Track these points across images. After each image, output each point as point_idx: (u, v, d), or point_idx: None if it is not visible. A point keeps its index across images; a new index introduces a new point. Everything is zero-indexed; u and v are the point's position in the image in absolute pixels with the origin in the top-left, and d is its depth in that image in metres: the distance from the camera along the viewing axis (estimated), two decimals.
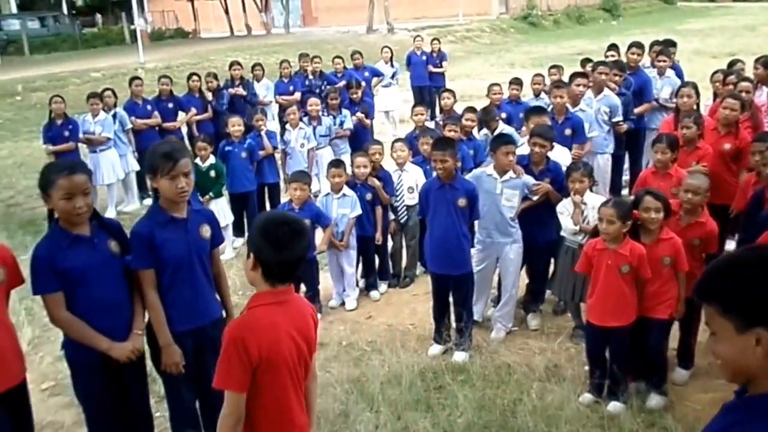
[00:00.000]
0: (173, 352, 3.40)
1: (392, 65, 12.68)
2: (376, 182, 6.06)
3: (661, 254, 4.13)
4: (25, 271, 3.33)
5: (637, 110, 7.64)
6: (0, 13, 36.32)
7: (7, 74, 21.02)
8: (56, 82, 18.84)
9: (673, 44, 9.23)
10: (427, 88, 13.36)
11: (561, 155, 5.72)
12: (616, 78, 7.46)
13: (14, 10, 39.38)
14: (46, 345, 5.27)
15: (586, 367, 4.59)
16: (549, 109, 6.62)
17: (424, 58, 13.40)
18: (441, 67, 13.49)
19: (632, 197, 4.97)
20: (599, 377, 4.29)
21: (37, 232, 7.52)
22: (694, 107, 6.35)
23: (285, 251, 2.45)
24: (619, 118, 7.15)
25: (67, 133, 8.57)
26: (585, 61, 9.42)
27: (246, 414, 2.47)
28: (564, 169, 5.29)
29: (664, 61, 8.04)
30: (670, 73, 8.06)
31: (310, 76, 11.38)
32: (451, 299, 5.10)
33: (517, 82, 8.48)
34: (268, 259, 2.45)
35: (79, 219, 3.21)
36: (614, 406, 4.19)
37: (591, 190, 5.12)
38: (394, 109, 12.63)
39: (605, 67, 7.32)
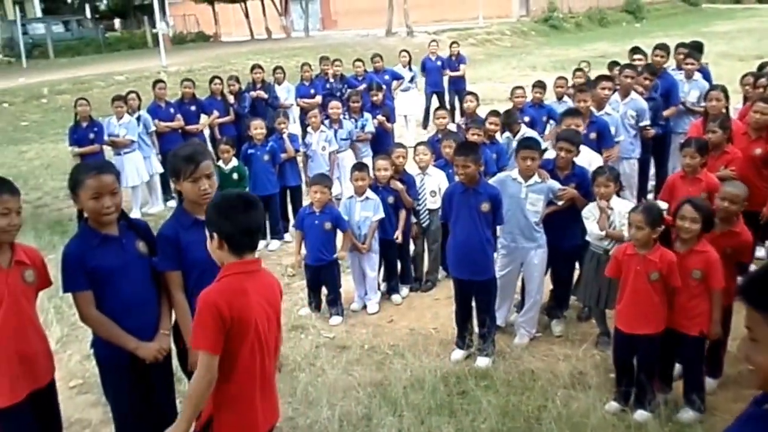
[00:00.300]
0: None
1: (410, 69, 12.64)
2: (399, 185, 6.04)
3: (691, 266, 4.02)
4: (53, 270, 3.35)
5: (664, 113, 7.53)
6: (25, 17, 36.82)
7: (33, 77, 21.40)
8: (81, 85, 19.13)
9: (701, 46, 9.08)
10: (443, 93, 13.30)
11: (593, 159, 5.65)
12: (646, 82, 7.35)
13: (39, 14, 39.93)
14: (74, 343, 5.30)
15: (612, 375, 4.53)
16: None
17: (439, 63, 13.33)
18: (458, 70, 13.41)
19: (660, 202, 4.92)
20: (626, 385, 4.23)
21: (63, 233, 7.62)
22: (723, 111, 6.25)
23: (243, 219, 2.65)
24: (646, 122, 7.06)
25: (92, 136, 8.68)
26: (612, 65, 9.29)
27: (218, 377, 2.59)
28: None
29: (692, 64, 7.91)
30: (697, 76, 7.94)
31: (331, 79, 11.39)
32: (473, 304, 5.06)
33: (540, 85, 8.42)
34: (230, 231, 2.64)
35: (106, 219, 3.23)
36: (641, 415, 4.12)
37: (618, 195, 5.05)
38: (412, 113, 12.58)
39: (632, 70, 7.21)
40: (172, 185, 7.78)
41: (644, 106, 7.03)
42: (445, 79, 13.48)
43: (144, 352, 3.31)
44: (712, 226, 4.08)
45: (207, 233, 2.72)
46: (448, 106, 12.83)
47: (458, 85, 13.40)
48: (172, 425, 2.64)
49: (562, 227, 5.17)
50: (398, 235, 6.07)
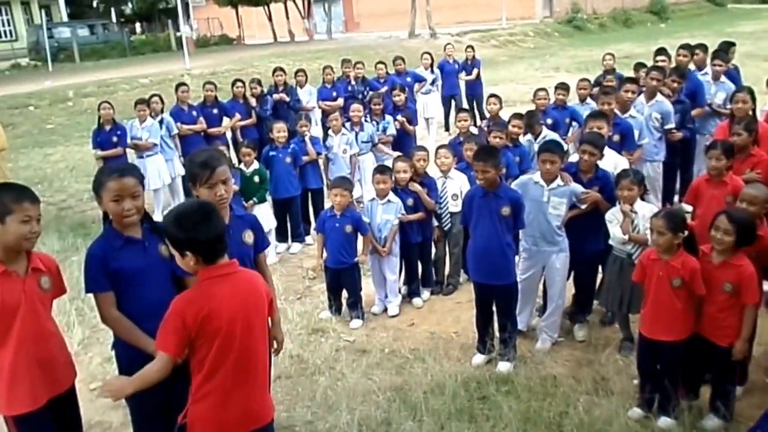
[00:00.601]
0: None
1: (432, 71, 12.56)
2: (417, 187, 6.01)
3: (722, 278, 3.91)
4: (76, 272, 3.37)
5: (692, 113, 7.42)
6: (51, 21, 37.38)
7: (59, 80, 21.66)
8: (106, 88, 19.32)
9: (731, 46, 8.88)
10: (459, 97, 13.17)
11: (617, 161, 5.58)
12: (675, 84, 7.23)
13: (65, 18, 40.53)
14: (95, 346, 5.30)
15: (635, 381, 4.47)
16: None
17: (456, 66, 13.23)
18: (471, 74, 13.26)
19: (684, 205, 4.84)
20: (649, 391, 4.16)
21: (87, 235, 7.68)
22: (750, 113, 6.13)
23: (206, 229, 2.69)
24: (671, 125, 6.95)
25: (115, 139, 8.75)
26: (638, 66, 9.18)
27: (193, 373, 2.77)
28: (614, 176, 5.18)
29: (720, 65, 7.76)
30: (724, 77, 7.80)
31: (353, 82, 11.39)
32: (494, 309, 5.01)
33: (563, 86, 8.33)
34: (198, 245, 2.69)
35: (127, 221, 3.24)
36: (665, 422, 4.05)
37: (643, 199, 4.98)
38: (434, 116, 12.53)
39: (659, 72, 7.10)
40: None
41: (669, 109, 6.93)
42: (462, 83, 13.36)
43: None
44: (751, 239, 3.93)
45: (173, 251, 2.78)
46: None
47: (474, 90, 13.29)
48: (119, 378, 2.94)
49: (585, 231, 5.11)
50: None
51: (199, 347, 2.71)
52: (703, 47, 8.50)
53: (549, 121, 7.52)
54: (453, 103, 13.06)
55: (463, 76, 13.25)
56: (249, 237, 3.54)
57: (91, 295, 3.32)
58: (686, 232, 4.00)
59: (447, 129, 12.94)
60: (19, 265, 3.10)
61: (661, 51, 8.73)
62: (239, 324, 2.74)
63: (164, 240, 3.37)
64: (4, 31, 39.25)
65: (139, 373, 2.80)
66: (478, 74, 13.38)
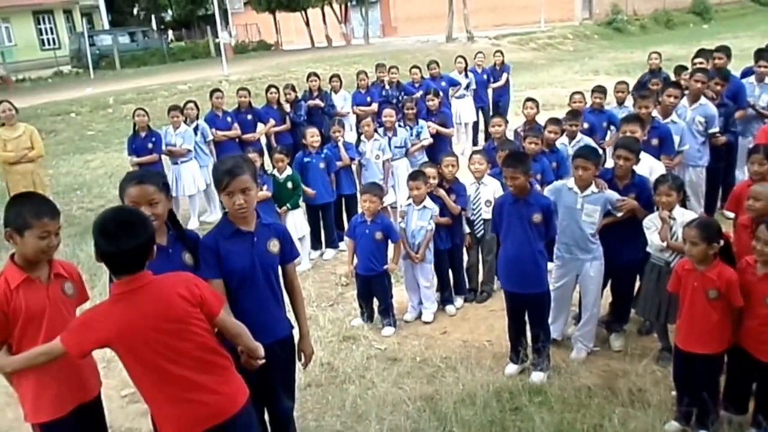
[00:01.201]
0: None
1: (466, 75, 12.27)
2: (441, 192, 5.93)
3: (765, 291, 3.74)
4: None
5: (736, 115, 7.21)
6: (93, 29, 38.24)
7: (100, 87, 22.08)
8: (145, 95, 19.60)
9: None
10: (487, 109, 12.59)
11: (654, 166, 5.43)
12: (718, 87, 7.03)
13: (106, 26, 41.38)
14: None
15: (673, 392, 4.33)
16: None
17: (485, 76, 12.63)
18: (500, 80, 12.74)
19: (726, 212, 4.67)
20: (687, 404, 4.01)
21: None
22: None
23: (111, 243, 2.61)
24: (715, 129, 6.75)
25: (150, 145, 8.84)
26: (679, 69, 8.98)
27: (141, 393, 2.81)
28: (652, 182, 5.05)
29: (765, 66, 7.52)
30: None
31: (387, 87, 11.34)
32: (526, 318, 4.92)
33: (600, 90, 8.17)
34: (99, 250, 2.63)
35: None
36: None
37: (683, 205, 4.82)
38: (468, 120, 12.35)
39: (704, 74, 6.89)
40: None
41: (714, 112, 6.73)
42: (490, 92, 12.87)
43: None
44: None
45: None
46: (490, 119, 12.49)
47: (500, 96, 12.72)
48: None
49: (623, 240, 4.97)
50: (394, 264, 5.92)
51: (127, 363, 2.72)
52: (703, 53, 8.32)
53: (585, 125, 7.36)
54: (481, 115, 12.64)
55: (493, 85, 12.72)
56: (274, 246, 3.48)
57: None
58: (722, 242, 3.85)
59: (475, 143, 12.36)
60: (41, 272, 3.13)
61: (700, 53, 8.50)
62: (151, 335, 2.66)
63: (189, 248, 3.39)
64: (48, 39, 40.25)
65: (30, 353, 2.90)
66: (507, 80, 12.88)
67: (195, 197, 9.26)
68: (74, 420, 3.21)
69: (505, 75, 12.84)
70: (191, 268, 3.36)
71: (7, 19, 38.18)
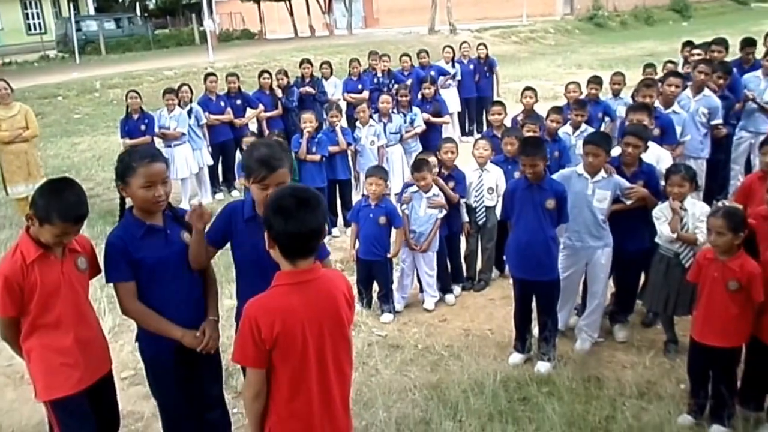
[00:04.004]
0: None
1: (453, 65, 12.17)
2: (439, 181, 5.83)
3: None
4: (101, 260, 3.27)
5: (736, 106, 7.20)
6: (79, 14, 37.73)
7: (86, 72, 21.91)
8: (131, 80, 19.46)
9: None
10: (474, 100, 12.32)
11: (661, 155, 5.37)
12: (720, 81, 6.98)
13: (92, 12, 40.98)
14: (126, 333, 5.21)
15: (683, 385, 4.29)
16: None
17: (472, 67, 12.35)
18: (487, 77, 12.44)
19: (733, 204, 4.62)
20: (701, 397, 3.96)
21: (114, 222, 7.50)
22: None
23: (291, 221, 2.38)
24: (718, 120, 6.72)
25: (143, 128, 8.72)
26: (668, 64, 8.98)
27: (271, 393, 2.48)
28: (659, 170, 4.99)
29: None
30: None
31: (379, 74, 11.24)
32: (534, 306, 4.84)
33: (596, 80, 8.09)
34: (277, 232, 2.41)
35: (157, 207, 3.14)
36: (718, 430, 3.84)
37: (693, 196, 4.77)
38: (453, 111, 12.17)
39: (706, 66, 6.84)
40: (238, 181, 7.66)
41: (717, 104, 6.69)
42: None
43: (190, 340, 3.19)
44: None
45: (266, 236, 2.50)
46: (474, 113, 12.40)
47: (485, 92, 12.32)
48: None
49: (630, 229, 4.91)
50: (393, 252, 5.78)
51: (275, 362, 2.44)
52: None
53: None
54: (467, 106, 12.43)
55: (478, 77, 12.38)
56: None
57: None
58: (746, 232, 3.77)
59: (463, 133, 12.19)
60: (55, 248, 3.04)
61: (689, 43, 8.52)
62: (319, 338, 2.46)
63: (186, 227, 3.25)
64: (34, 24, 40.24)
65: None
66: (495, 73, 12.52)
67: (187, 181, 9.14)
68: (86, 399, 3.11)
69: (495, 69, 12.53)
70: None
71: None
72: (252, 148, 3.25)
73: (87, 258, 3.19)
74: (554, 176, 4.89)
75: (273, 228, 2.40)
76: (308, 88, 10.40)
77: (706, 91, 6.70)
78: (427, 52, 11.99)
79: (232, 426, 3.72)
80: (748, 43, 8.38)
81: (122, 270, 3.11)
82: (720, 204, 4.45)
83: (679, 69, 8.14)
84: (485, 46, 12.89)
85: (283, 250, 2.43)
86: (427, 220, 5.72)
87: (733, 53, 8.82)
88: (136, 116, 8.77)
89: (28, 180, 8.04)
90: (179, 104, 9.00)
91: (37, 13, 40.39)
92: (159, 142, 9.03)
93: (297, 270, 2.44)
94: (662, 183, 4.87)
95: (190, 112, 9.08)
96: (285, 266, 2.47)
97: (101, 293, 5.13)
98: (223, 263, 5.78)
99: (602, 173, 4.74)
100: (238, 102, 9.74)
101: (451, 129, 12.00)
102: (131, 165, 3.08)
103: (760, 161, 4.83)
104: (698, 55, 8.06)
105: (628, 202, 4.81)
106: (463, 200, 6.02)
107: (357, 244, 5.79)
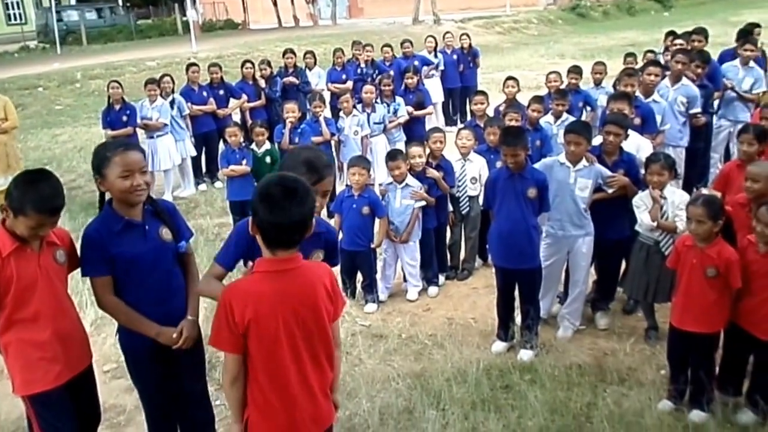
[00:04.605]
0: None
1: (436, 55, 12.12)
2: (435, 173, 5.84)
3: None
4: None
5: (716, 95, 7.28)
6: (60, 4, 37.26)
7: (67, 63, 21.67)
8: (113, 71, 19.25)
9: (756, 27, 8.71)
10: (458, 90, 12.29)
11: (641, 144, 5.41)
12: (699, 70, 7.02)
13: (73, 1, 40.42)
14: (108, 327, 5.15)
15: (663, 372, 4.34)
16: None
17: (455, 57, 12.31)
18: (471, 67, 12.47)
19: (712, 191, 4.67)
20: (681, 383, 4.01)
21: (96, 214, 7.47)
22: None
23: (277, 211, 2.35)
24: (697, 109, 6.77)
25: (125, 118, 8.62)
26: (647, 54, 9.05)
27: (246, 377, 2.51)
28: (639, 159, 5.03)
29: (751, 50, 7.56)
30: (753, 63, 7.59)
31: (362, 65, 11.21)
32: (516, 294, 4.86)
33: (575, 70, 8.10)
34: (261, 220, 2.38)
35: (136, 198, 3.06)
36: (698, 415, 3.89)
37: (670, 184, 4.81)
38: (437, 101, 12.10)
39: (685, 55, 6.89)
40: (221, 172, 7.53)
41: (696, 93, 6.74)
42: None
43: (165, 339, 3.15)
44: None
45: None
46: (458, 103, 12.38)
47: (468, 81, 12.29)
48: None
49: (610, 217, 4.95)
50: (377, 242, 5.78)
51: (250, 347, 2.45)
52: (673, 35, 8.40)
53: None
54: (450, 96, 12.38)
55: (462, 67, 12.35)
56: (317, 258, 3.01)
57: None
58: (724, 219, 3.82)
59: (447, 123, 12.06)
60: (33, 240, 2.99)
61: (671, 34, 8.55)
62: (295, 327, 2.46)
63: (165, 223, 3.22)
64: (14, 14, 40.01)
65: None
66: (477, 64, 12.56)
67: (170, 172, 9.06)
68: (67, 393, 3.08)
69: (477, 59, 12.55)
70: (170, 243, 3.22)
71: None
72: (298, 152, 3.10)
73: (66, 251, 3.14)
74: (536, 165, 4.91)
75: (257, 215, 2.39)
76: (292, 78, 10.36)
77: (685, 80, 6.76)
78: (411, 42, 11.97)
79: (216, 418, 3.71)
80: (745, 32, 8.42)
81: (98, 264, 3.07)
82: (699, 192, 4.50)
83: (661, 59, 8.18)
84: (468, 36, 12.88)
85: (264, 238, 2.42)
86: (403, 211, 5.71)
87: (713, 43, 8.88)
88: (117, 107, 8.68)
89: (8, 172, 7.91)
90: (161, 95, 8.92)
91: (17, 3, 40.01)
92: (141, 134, 8.99)
93: (276, 259, 2.44)
94: (642, 172, 4.92)
95: (172, 103, 9.01)
96: (265, 253, 2.47)
97: (83, 286, 5.07)
98: (207, 255, 5.79)
99: (584, 162, 4.77)
100: (221, 92, 9.69)
101: (435, 119, 12.04)
102: (106, 156, 3.02)
103: (738, 149, 4.88)
104: (680, 45, 8.11)
105: (610, 191, 4.85)
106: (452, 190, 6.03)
107: (341, 236, 5.78)
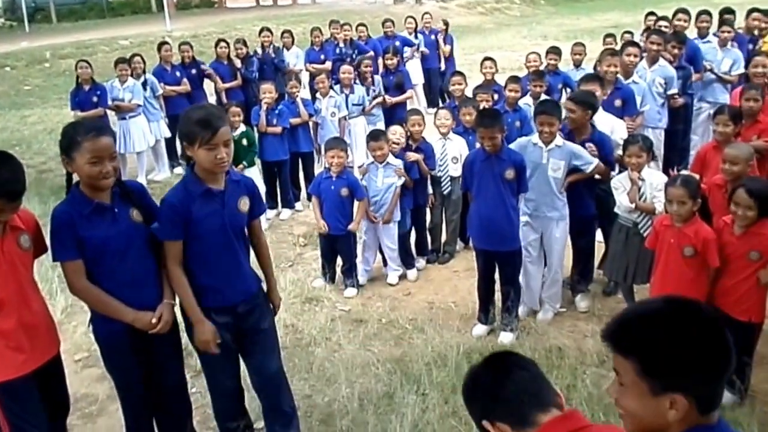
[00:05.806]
0: (205, 329, 3.14)
1: (416, 36, 11.97)
2: (415, 156, 5.77)
3: (746, 247, 3.71)
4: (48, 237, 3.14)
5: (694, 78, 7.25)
6: None
7: (36, 41, 21.10)
8: (84, 50, 18.79)
9: (730, 12, 8.70)
10: (437, 70, 12.09)
11: (615, 125, 5.39)
12: (675, 51, 7.01)
13: None
14: (79, 314, 5.04)
15: None
16: None
17: (433, 37, 12.15)
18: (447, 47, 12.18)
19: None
20: None
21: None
22: (766, 80, 5.90)
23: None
24: (674, 90, 6.77)
25: (95, 99, 8.39)
26: (625, 35, 9.05)
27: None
28: (614, 140, 5.01)
29: (728, 32, 7.55)
30: (731, 44, 7.59)
31: (341, 45, 11.04)
32: (497, 277, 4.84)
33: (554, 51, 8.08)
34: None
35: (105, 184, 2.98)
36: None
37: (648, 166, 4.80)
38: (417, 82, 12.00)
39: (659, 36, 6.87)
40: (179, 150, 7.50)
41: (672, 74, 6.73)
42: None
43: (142, 324, 3.08)
44: None
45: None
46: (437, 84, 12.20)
47: (448, 67, 12.00)
48: None
49: (575, 197, 4.90)
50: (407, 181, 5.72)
51: None
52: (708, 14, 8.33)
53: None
54: (429, 77, 12.14)
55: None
56: (245, 205, 3.23)
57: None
58: (700, 198, 3.85)
59: (430, 105, 11.82)
60: None
61: (652, 14, 8.53)
62: None
63: (134, 204, 3.14)
64: None
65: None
66: (451, 52, 12.31)
67: (143, 154, 8.88)
68: (33, 382, 2.99)
69: (448, 47, 12.26)
70: (141, 225, 3.13)
71: None
72: (188, 113, 3.12)
73: (30, 236, 3.04)
74: (511, 146, 4.85)
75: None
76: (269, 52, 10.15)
77: (662, 62, 6.75)
78: (392, 22, 11.79)
79: (192, 405, 3.64)
80: (722, 13, 8.37)
81: (69, 248, 2.98)
82: (676, 174, 4.50)
83: (639, 39, 8.15)
84: (445, 22, 12.65)
85: None
86: (386, 189, 5.65)
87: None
88: (87, 87, 8.43)
89: None
90: (132, 75, 8.70)
91: None
92: (112, 115, 8.77)
93: None
94: (618, 153, 4.89)
95: (144, 84, 8.81)
96: None
97: (53, 273, 4.97)
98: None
99: (556, 142, 4.72)
100: (194, 72, 9.46)
101: (416, 101, 11.93)
102: (76, 139, 2.92)
103: (714, 131, 4.87)
104: (665, 27, 8.08)
105: (588, 170, 4.80)
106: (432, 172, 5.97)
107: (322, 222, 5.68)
